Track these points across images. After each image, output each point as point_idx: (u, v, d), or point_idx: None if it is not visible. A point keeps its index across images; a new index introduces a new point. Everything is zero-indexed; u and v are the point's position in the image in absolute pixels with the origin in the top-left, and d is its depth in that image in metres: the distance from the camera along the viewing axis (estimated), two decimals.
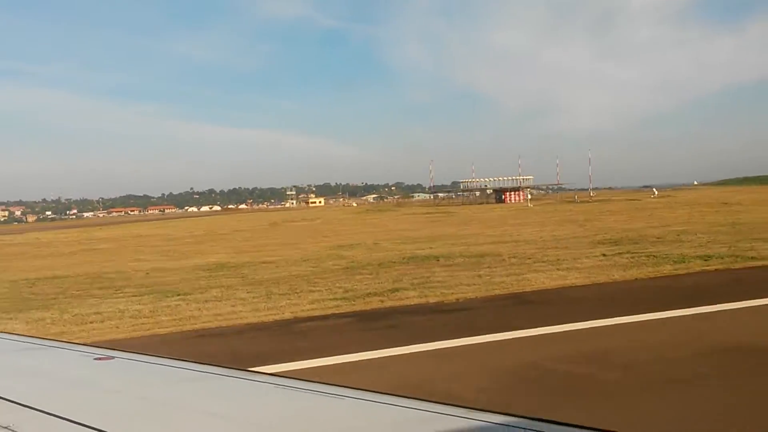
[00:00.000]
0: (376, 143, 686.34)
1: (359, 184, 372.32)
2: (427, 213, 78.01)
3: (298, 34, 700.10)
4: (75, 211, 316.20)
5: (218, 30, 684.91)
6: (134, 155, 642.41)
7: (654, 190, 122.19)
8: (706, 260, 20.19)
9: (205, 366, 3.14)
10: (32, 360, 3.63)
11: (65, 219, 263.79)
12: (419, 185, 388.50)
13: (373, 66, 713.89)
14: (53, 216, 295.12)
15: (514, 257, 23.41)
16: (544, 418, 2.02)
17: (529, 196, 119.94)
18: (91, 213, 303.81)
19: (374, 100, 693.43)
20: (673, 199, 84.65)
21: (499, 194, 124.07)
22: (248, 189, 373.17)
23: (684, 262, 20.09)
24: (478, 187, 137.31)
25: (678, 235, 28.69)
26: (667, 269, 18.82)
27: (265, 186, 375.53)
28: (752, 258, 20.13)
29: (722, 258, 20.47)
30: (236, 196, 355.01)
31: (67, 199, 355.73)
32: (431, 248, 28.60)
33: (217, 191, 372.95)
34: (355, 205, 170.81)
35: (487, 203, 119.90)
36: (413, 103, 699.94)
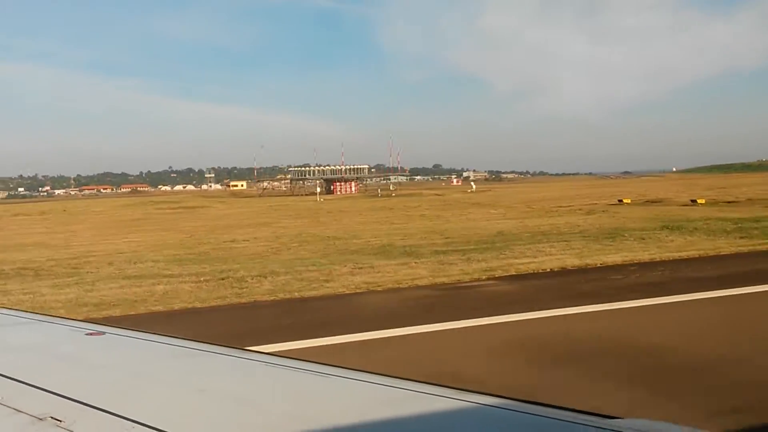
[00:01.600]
0: (360, 124, 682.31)
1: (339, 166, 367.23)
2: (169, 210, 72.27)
3: (289, 12, 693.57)
4: (48, 188, 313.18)
5: (206, 6, 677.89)
6: (117, 132, 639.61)
7: (472, 184, 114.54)
8: None
9: (196, 343, 3.10)
10: (23, 335, 3.61)
11: (35, 197, 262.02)
12: (395, 168, 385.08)
13: (361, 46, 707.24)
14: (25, 193, 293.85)
15: None
16: (530, 400, 2.02)
17: (320, 189, 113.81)
18: (63, 190, 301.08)
19: (360, 81, 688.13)
20: (475, 195, 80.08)
21: (329, 184, 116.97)
22: (227, 168, 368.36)
23: None
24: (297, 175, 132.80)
25: (134, 263, 23.09)
26: None
27: (244, 166, 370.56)
28: None
29: None
30: (217, 175, 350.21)
31: (44, 176, 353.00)
32: None
33: (196, 170, 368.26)
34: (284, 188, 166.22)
35: (312, 194, 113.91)
36: (400, 84, 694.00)
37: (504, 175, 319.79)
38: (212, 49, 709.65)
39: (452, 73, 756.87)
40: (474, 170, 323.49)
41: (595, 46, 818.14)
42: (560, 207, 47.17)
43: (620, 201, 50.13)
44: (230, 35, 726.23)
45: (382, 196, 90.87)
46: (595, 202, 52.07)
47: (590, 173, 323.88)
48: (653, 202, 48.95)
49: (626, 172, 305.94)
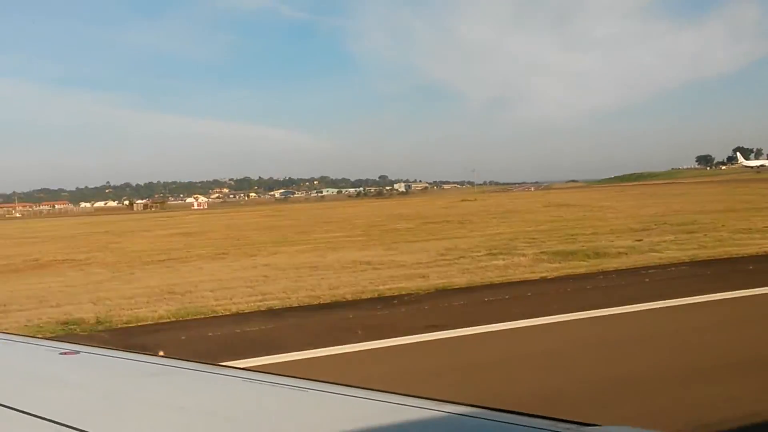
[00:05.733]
0: (315, 135, 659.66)
1: (280, 179, 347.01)
2: None
3: (261, 24, 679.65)
4: None
5: (176, 19, 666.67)
6: (57, 147, 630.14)
7: (12, 209, 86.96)
8: None
9: (172, 360, 3.03)
10: None
11: None
12: (344, 179, 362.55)
13: (329, 57, 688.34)
14: None
15: None
16: (513, 410, 1.99)
17: None
18: None
19: (324, 92, 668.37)
20: None
21: None
22: (166, 183, 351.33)
23: None
24: None
25: None
26: None
27: (184, 180, 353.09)
28: None
29: None
30: (149, 190, 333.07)
31: None
32: None
33: (134, 185, 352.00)
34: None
35: None
36: (363, 96, 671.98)
37: (444, 186, 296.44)
38: (169, 61, 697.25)
39: (407, 81, 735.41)
40: (410, 181, 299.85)
41: (560, 55, 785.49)
42: None
43: None
44: (197, 49, 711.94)
45: None
46: None
47: (536, 182, 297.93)
48: None
49: (572, 181, 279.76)
